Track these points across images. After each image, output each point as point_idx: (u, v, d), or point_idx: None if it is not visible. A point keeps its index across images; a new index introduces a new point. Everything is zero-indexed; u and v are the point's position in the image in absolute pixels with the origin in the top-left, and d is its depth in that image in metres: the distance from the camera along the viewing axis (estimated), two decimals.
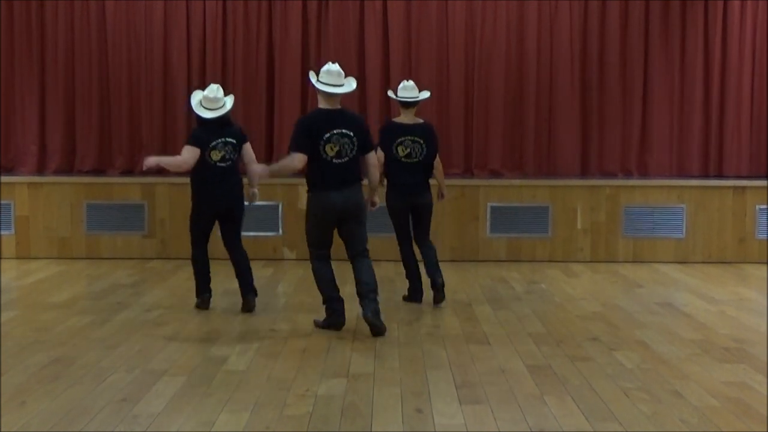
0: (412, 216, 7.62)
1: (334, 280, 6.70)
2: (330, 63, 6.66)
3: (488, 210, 10.12)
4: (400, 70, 10.59)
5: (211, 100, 7.04)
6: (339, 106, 6.59)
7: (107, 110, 10.66)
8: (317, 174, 6.51)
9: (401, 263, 7.74)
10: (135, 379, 5.37)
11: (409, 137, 7.45)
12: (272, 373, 5.53)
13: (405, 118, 7.56)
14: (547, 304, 7.81)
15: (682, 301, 8.02)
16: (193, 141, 7.07)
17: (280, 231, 10.08)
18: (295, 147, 6.49)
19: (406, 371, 5.59)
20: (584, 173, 10.74)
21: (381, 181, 7.33)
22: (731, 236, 10.13)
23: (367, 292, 6.52)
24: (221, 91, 7.12)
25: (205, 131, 7.09)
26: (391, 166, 7.47)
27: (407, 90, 7.53)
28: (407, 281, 7.73)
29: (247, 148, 7.25)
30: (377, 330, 6.46)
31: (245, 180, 7.37)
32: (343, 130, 6.48)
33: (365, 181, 6.84)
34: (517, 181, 10.29)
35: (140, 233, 10.07)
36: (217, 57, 10.61)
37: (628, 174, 10.70)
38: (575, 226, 10.13)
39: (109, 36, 10.59)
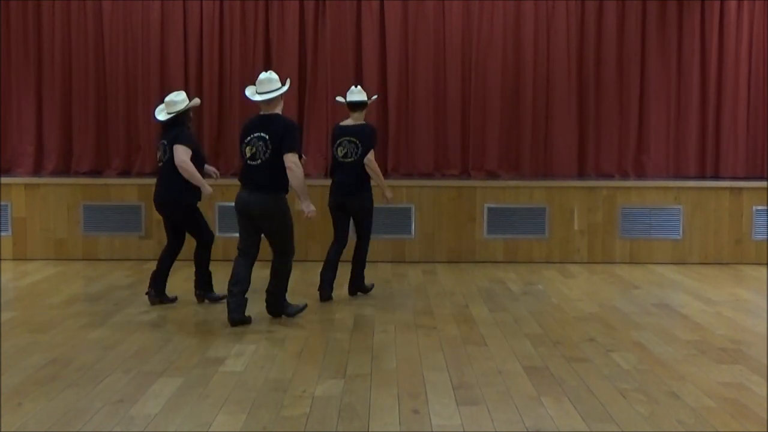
0: (353, 219, 7.84)
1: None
2: (264, 71, 7.04)
3: (485, 211, 10.12)
4: (397, 71, 10.60)
5: (167, 104, 7.37)
6: (275, 111, 6.87)
7: (104, 111, 10.67)
8: (240, 173, 6.93)
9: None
10: (132, 380, 5.37)
11: (346, 137, 7.74)
12: (269, 374, 5.53)
13: (350, 120, 7.85)
14: (543, 305, 7.81)
15: (678, 302, 8.03)
16: None
17: None
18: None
19: (403, 372, 5.59)
20: (581, 174, 10.74)
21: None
22: (728, 237, 10.14)
23: (233, 284, 6.79)
24: (180, 95, 7.40)
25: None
26: (332, 166, 7.88)
27: (353, 94, 7.87)
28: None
29: (175, 149, 7.27)
30: (233, 322, 6.75)
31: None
32: (261, 134, 6.75)
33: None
34: (513, 182, 10.29)
35: (137, 234, 10.06)
36: (214, 57, 10.61)
37: (624, 175, 10.70)
38: (572, 227, 10.13)
39: (106, 36, 10.60)
